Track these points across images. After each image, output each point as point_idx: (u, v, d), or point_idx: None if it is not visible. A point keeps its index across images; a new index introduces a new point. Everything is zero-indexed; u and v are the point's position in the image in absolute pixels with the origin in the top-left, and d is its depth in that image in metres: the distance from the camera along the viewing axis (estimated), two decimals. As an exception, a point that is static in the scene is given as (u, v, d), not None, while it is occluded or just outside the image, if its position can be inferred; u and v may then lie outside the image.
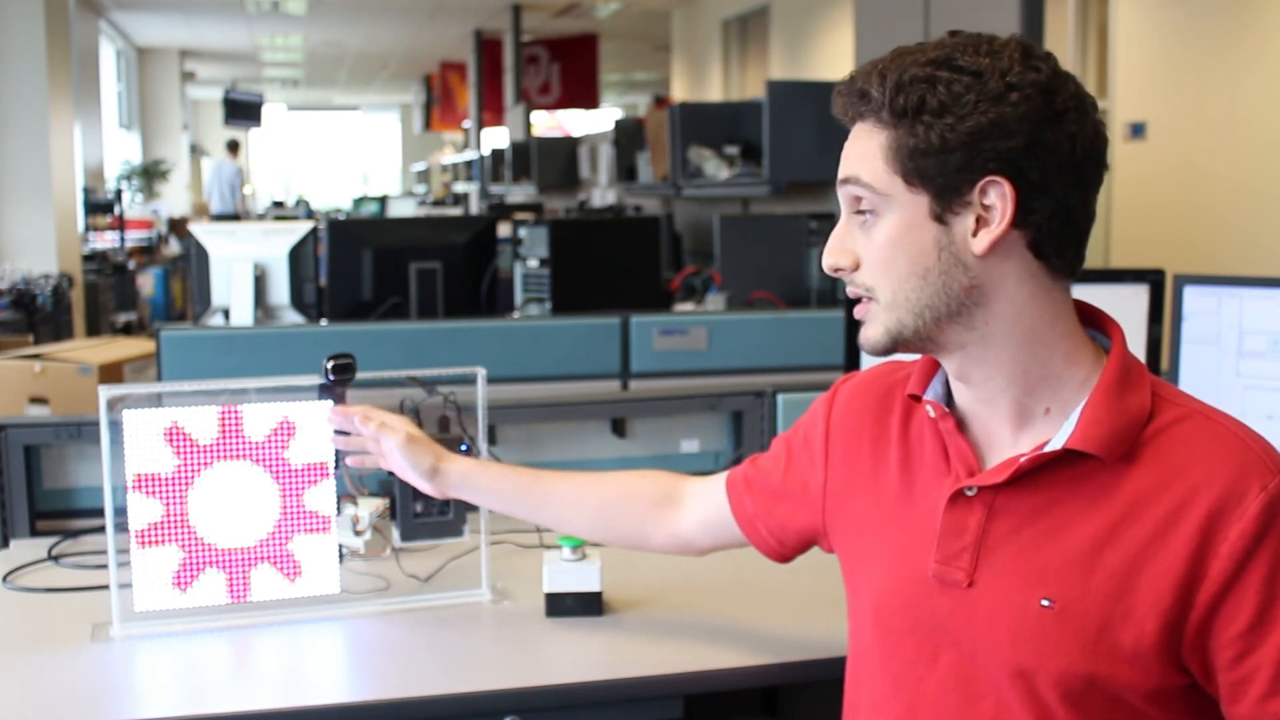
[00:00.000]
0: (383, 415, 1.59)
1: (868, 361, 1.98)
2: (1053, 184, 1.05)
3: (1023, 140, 1.04)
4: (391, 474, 1.65)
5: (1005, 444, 1.13)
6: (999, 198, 1.05)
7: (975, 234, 1.07)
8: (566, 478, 1.56)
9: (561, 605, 1.63)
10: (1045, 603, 1.06)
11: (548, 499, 1.55)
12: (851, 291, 1.14)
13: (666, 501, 1.50)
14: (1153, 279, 2.00)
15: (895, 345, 1.12)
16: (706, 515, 1.46)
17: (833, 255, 1.13)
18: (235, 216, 13.54)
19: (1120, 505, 1.06)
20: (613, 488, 1.54)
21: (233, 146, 14.95)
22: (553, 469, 1.60)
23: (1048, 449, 1.09)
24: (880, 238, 1.10)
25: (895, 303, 1.10)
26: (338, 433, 1.62)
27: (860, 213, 1.11)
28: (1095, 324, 1.15)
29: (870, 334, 1.12)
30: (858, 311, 1.14)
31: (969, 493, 1.12)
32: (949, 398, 1.18)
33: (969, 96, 1.04)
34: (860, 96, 1.09)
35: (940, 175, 1.06)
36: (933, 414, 1.17)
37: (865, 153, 1.09)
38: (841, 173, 1.12)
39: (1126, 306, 1.97)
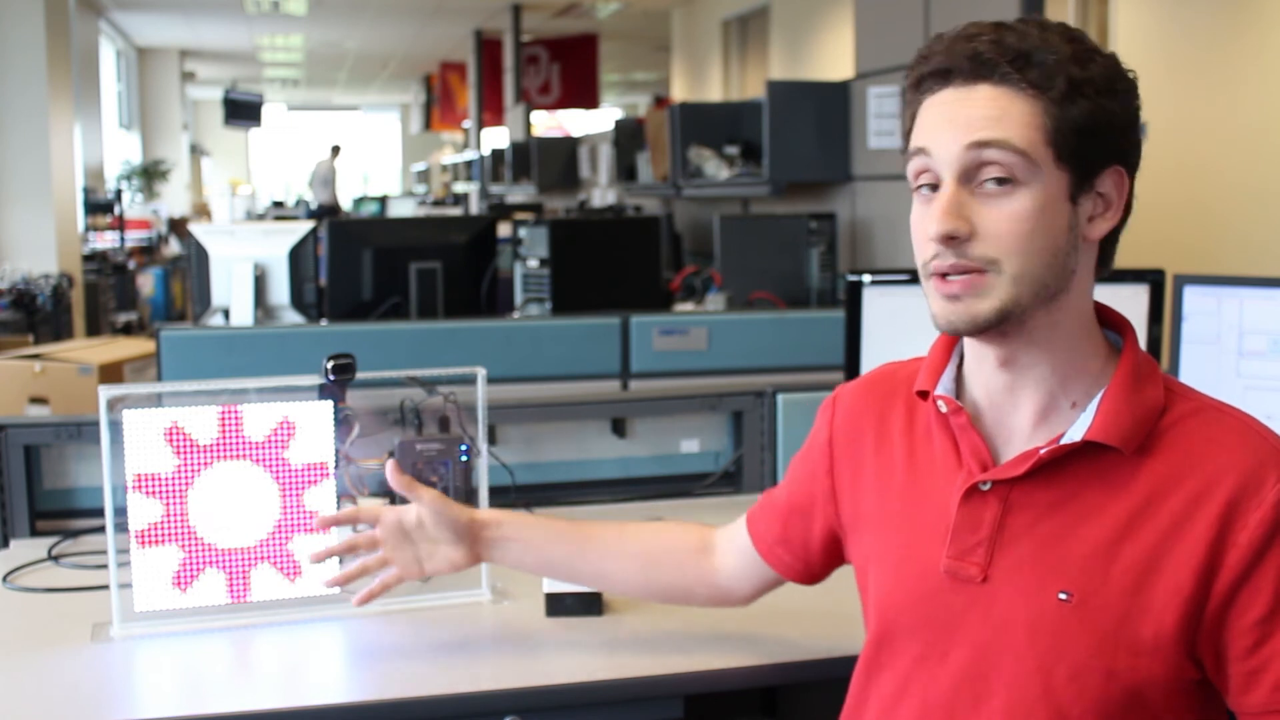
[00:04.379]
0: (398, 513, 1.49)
1: (868, 362, 1.98)
2: (1133, 181, 1.09)
3: (1137, 135, 1.08)
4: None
5: (1021, 437, 1.13)
6: (1115, 187, 1.08)
7: (1091, 220, 1.08)
8: (604, 537, 1.49)
9: (561, 605, 1.63)
10: (1063, 596, 1.06)
11: (588, 547, 1.47)
12: (956, 264, 1.05)
13: (703, 550, 1.46)
14: (1153, 279, 2.00)
15: (1003, 322, 1.06)
16: (738, 557, 1.43)
17: (953, 220, 1.04)
18: (334, 209, 14.57)
19: (1138, 497, 1.06)
20: (653, 538, 1.48)
21: (335, 150, 16.19)
22: (589, 532, 1.50)
23: (1064, 441, 1.08)
24: (1018, 209, 1.04)
25: (1021, 277, 1.05)
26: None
27: (993, 180, 1.04)
28: (1106, 321, 1.16)
29: (980, 308, 1.06)
30: (962, 285, 1.06)
31: (984, 487, 1.12)
32: (956, 394, 1.18)
33: (1120, 84, 1.07)
34: (1021, 58, 1.03)
35: (1088, 155, 1.06)
36: (944, 409, 1.16)
37: (1012, 117, 1.04)
38: (978, 134, 1.04)
39: (1126, 306, 1.95)
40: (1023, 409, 1.13)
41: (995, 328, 1.07)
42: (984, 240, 1.05)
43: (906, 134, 1.12)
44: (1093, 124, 1.05)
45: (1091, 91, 1.04)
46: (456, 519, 1.46)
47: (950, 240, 1.05)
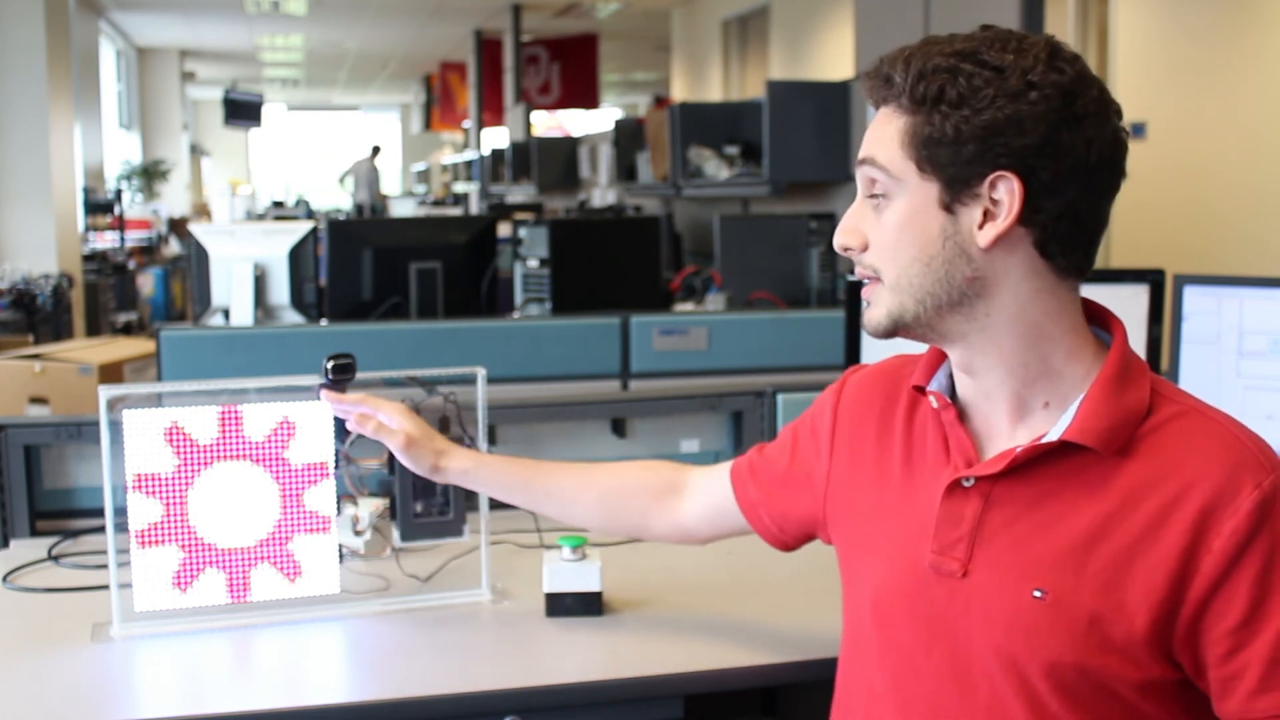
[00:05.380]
0: (380, 409, 1.58)
1: (868, 361, 1.98)
2: (1063, 185, 1.06)
3: (1037, 139, 1.04)
4: (392, 474, 1.66)
5: (1004, 436, 1.14)
6: (1007, 193, 1.06)
7: (981, 227, 1.07)
8: (567, 469, 1.57)
9: (561, 605, 1.63)
10: (1037, 594, 1.07)
11: (549, 491, 1.56)
12: (859, 272, 1.15)
13: (669, 490, 1.51)
14: (1153, 279, 2.00)
15: (896, 328, 1.13)
16: (709, 504, 1.47)
17: (843, 235, 1.15)
18: (373, 209, 14.78)
19: (1115, 499, 1.07)
20: (614, 478, 1.55)
21: (375, 150, 16.68)
22: (557, 462, 1.60)
23: (1044, 440, 1.09)
24: (889, 220, 1.11)
25: (898, 286, 1.11)
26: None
27: (874, 195, 1.12)
28: (1098, 321, 1.16)
29: (873, 315, 1.14)
30: (864, 292, 1.15)
31: (966, 483, 1.13)
32: (953, 390, 1.19)
33: (988, 91, 1.05)
34: (885, 81, 1.11)
35: (951, 165, 1.07)
36: (935, 404, 1.17)
37: (884, 136, 1.11)
38: (860, 154, 1.13)
39: (1126, 306, 1.97)
40: (996, 408, 1.14)
41: (893, 333, 1.14)
42: (872, 250, 1.14)
43: None
44: (956, 135, 1.05)
45: (958, 102, 1.05)
46: (419, 463, 1.56)
47: (846, 250, 1.15)
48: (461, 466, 1.57)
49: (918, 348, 1.22)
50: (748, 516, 1.42)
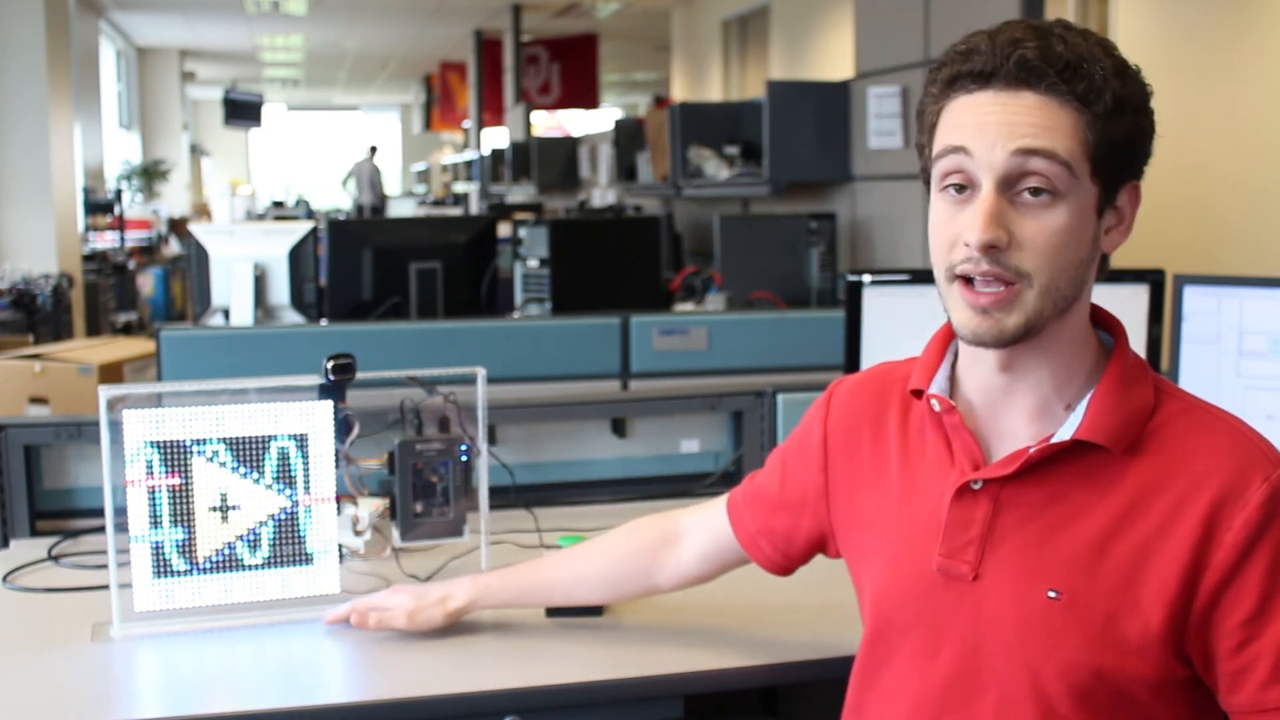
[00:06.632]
0: (371, 603, 1.58)
1: (868, 362, 1.98)
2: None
3: (1150, 146, 1.08)
4: (392, 474, 1.67)
5: (1012, 437, 1.13)
6: (1129, 202, 1.09)
7: (1108, 232, 1.09)
8: (560, 561, 1.56)
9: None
10: (1052, 594, 1.07)
11: (550, 589, 1.56)
12: (991, 271, 1.04)
13: (663, 544, 1.49)
14: (1153, 279, 2.00)
15: (1028, 335, 1.06)
16: (707, 543, 1.46)
17: (993, 230, 1.02)
18: (377, 209, 14.91)
19: (1126, 497, 1.07)
20: (607, 550, 1.53)
21: (373, 150, 16.90)
22: (547, 555, 1.61)
23: (1054, 440, 1.09)
24: (1055, 222, 1.03)
25: (1049, 290, 1.05)
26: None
27: (1029, 190, 1.03)
28: (1099, 321, 1.16)
29: (1009, 323, 1.05)
30: (992, 299, 1.05)
31: (975, 486, 1.12)
32: (950, 393, 1.18)
33: (1144, 96, 1.06)
34: (1069, 69, 1.02)
35: (1119, 171, 1.07)
36: (938, 408, 1.16)
37: (1056, 128, 1.02)
38: (1025, 141, 1.02)
39: (1126, 306, 1.97)
40: (1016, 410, 1.13)
41: (1017, 341, 1.07)
42: (1019, 251, 1.03)
43: (929, 129, 1.10)
44: (1128, 140, 1.06)
45: (1130, 109, 1.04)
46: (430, 623, 1.55)
47: (990, 249, 1.03)
48: (467, 601, 1.56)
49: (905, 354, 1.22)
50: (747, 549, 1.41)
